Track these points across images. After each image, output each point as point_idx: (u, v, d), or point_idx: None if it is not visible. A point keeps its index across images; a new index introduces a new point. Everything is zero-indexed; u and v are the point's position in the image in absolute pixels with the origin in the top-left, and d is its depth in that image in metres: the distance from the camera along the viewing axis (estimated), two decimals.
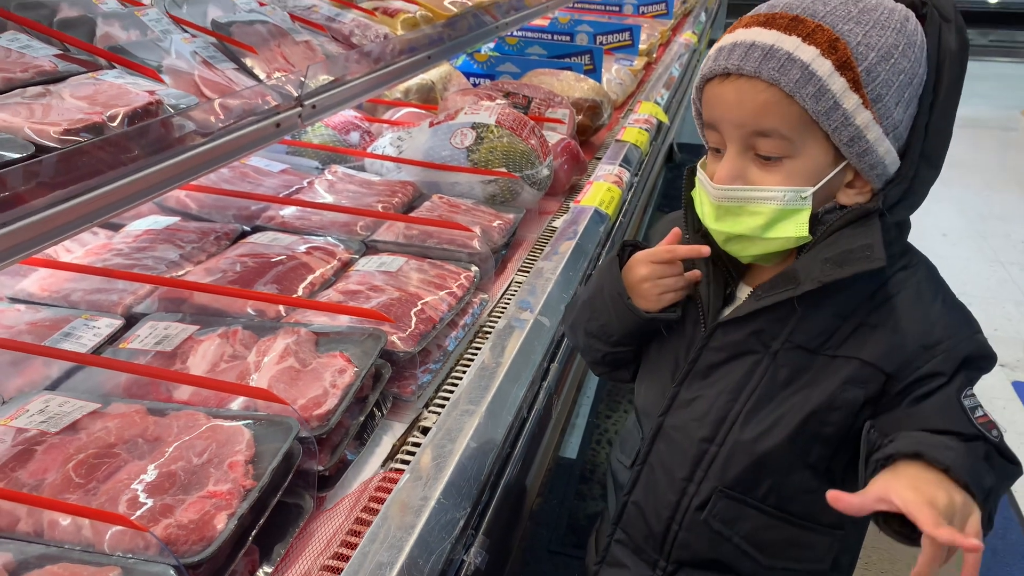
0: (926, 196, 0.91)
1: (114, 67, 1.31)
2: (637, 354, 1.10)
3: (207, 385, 1.00)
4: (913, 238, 0.97)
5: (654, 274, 0.99)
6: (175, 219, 1.59)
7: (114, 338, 1.21)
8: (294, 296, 1.31)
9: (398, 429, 1.15)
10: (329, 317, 1.23)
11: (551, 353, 1.29)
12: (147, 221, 1.57)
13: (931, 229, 4.18)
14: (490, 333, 1.35)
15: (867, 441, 0.85)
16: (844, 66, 0.82)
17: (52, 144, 1.01)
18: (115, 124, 1.11)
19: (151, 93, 1.21)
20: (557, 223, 1.90)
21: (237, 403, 1.02)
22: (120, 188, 1.10)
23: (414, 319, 1.26)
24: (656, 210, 4.07)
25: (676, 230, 1.00)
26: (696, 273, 1.00)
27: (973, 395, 0.86)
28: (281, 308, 1.27)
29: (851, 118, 0.83)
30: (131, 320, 1.24)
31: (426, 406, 1.21)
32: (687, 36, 4.47)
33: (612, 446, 1.10)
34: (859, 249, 0.85)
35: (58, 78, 1.19)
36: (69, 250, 1.52)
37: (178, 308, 1.28)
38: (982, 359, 0.90)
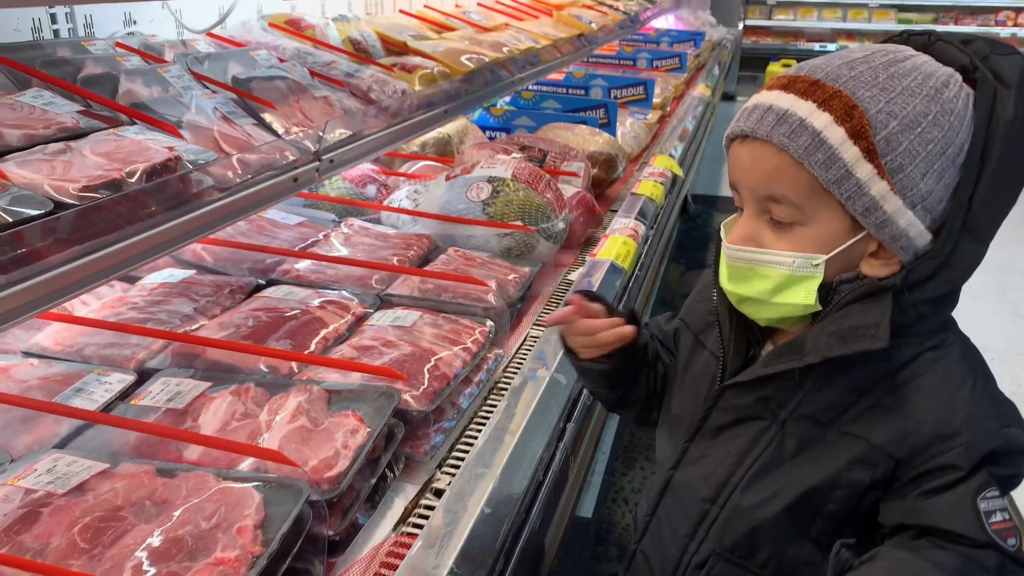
0: (971, 272, 0.85)
1: (135, 123, 1.33)
2: (631, 398, 1.12)
3: (217, 445, 0.98)
4: None
5: (570, 331, 1.06)
6: (191, 272, 1.59)
7: (126, 394, 1.19)
8: (307, 352, 1.30)
9: (410, 491, 1.12)
10: (342, 374, 1.21)
11: (567, 412, 1.27)
12: (163, 274, 1.57)
13: None
14: (505, 390, 1.33)
15: (836, 562, 0.82)
16: (858, 134, 0.79)
17: (70, 201, 1.02)
18: (134, 180, 1.11)
19: (170, 149, 1.22)
20: (573, 276, 1.89)
21: (247, 464, 1.00)
22: (136, 244, 1.10)
23: (427, 376, 1.24)
24: (671, 261, 4.06)
25: (576, 297, 1.05)
26: (624, 331, 1.03)
27: (996, 496, 0.80)
28: (294, 364, 1.25)
29: (865, 188, 0.80)
30: (144, 375, 1.23)
31: (439, 466, 1.18)
32: (700, 89, 4.52)
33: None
34: (864, 327, 0.81)
35: (79, 134, 1.21)
36: (85, 303, 1.52)
37: (191, 363, 1.27)
38: (1013, 455, 0.82)
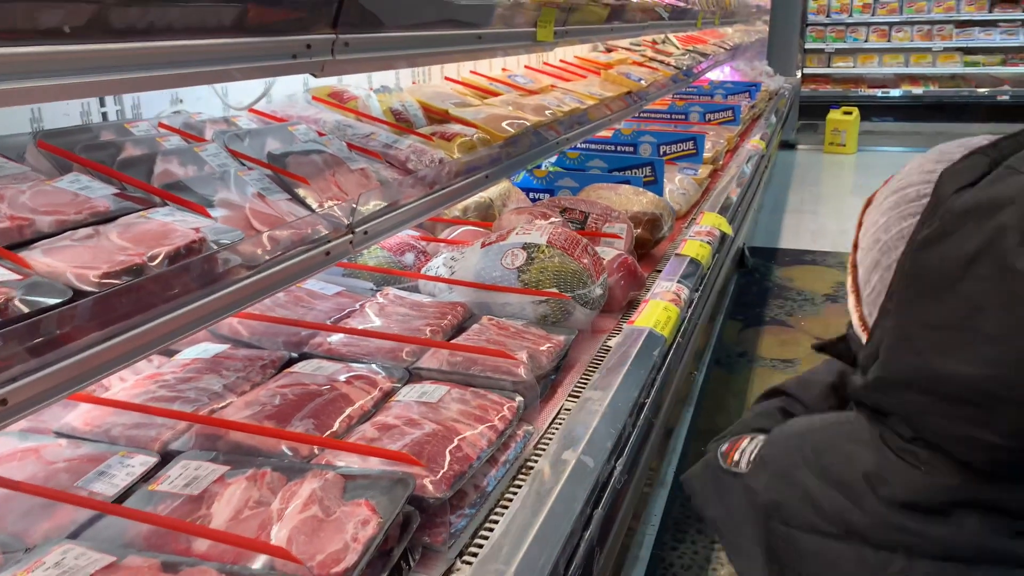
0: None
1: (167, 204, 1.35)
2: None
3: (223, 540, 0.96)
4: None
5: None
6: (225, 346, 1.60)
7: (148, 476, 1.19)
8: (329, 432, 1.28)
9: None
10: (361, 457, 1.19)
11: (594, 498, 1.21)
12: (197, 349, 1.58)
13: None
14: (533, 468, 1.28)
15: None
16: None
17: (90, 289, 1.03)
18: (155, 264, 1.12)
19: (196, 231, 1.23)
20: (612, 342, 1.84)
21: (257, 557, 0.97)
22: (160, 326, 1.11)
23: (448, 458, 1.20)
24: (728, 318, 3.95)
25: None
26: None
27: None
28: (314, 446, 1.23)
29: None
30: (167, 456, 1.23)
31: (460, 555, 1.13)
32: (754, 142, 4.45)
33: None
34: None
35: (110, 218, 1.23)
36: (123, 379, 1.54)
37: (213, 445, 1.26)
38: None
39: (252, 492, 1.09)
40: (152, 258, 1.13)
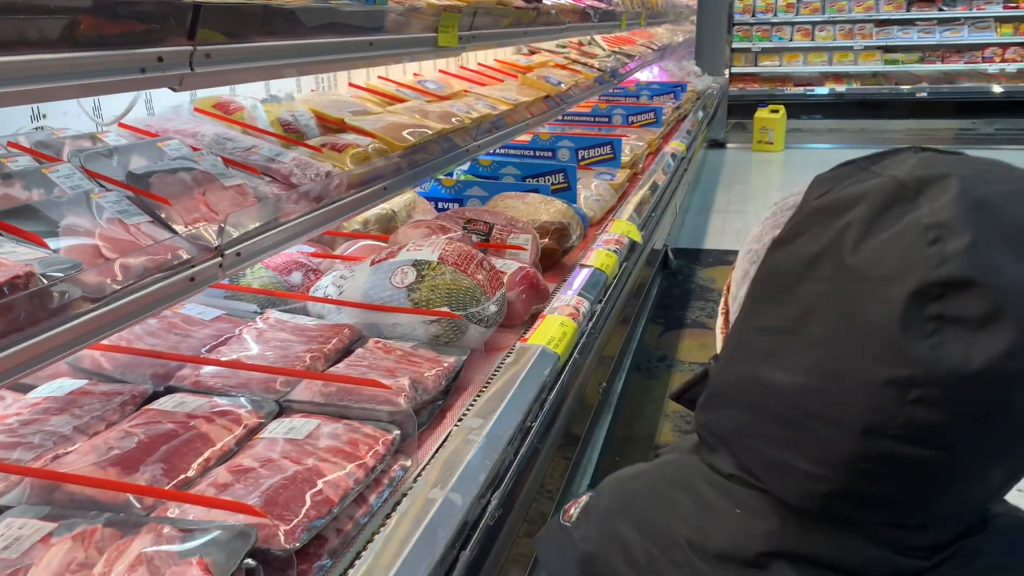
0: None
1: (0, 234, 1.24)
2: None
3: None
4: None
5: None
6: (83, 382, 1.49)
7: None
8: (179, 478, 1.19)
9: None
10: (205, 509, 1.10)
11: (463, 539, 1.14)
12: (51, 386, 1.47)
13: None
14: (397, 508, 1.21)
15: None
16: None
17: None
18: None
19: (25, 265, 1.12)
20: (507, 360, 1.78)
21: None
22: None
23: (307, 504, 1.12)
24: (649, 322, 3.94)
25: None
26: None
27: None
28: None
29: None
30: None
31: None
32: (675, 144, 4.46)
33: None
34: None
35: None
36: None
37: (49, 496, 1.15)
38: None
39: (77, 553, 1.00)
40: None
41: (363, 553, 1.14)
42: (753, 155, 8.69)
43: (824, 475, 0.62)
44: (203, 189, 1.62)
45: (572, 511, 0.81)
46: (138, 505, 1.15)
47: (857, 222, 0.62)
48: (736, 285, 0.81)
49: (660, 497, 0.74)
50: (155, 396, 1.46)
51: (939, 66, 9.39)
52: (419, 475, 1.32)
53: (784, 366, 0.64)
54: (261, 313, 1.82)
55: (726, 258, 5.04)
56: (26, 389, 1.52)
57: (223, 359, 1.57)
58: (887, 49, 9.52)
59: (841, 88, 9.56)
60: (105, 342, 1.54)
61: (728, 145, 9.08)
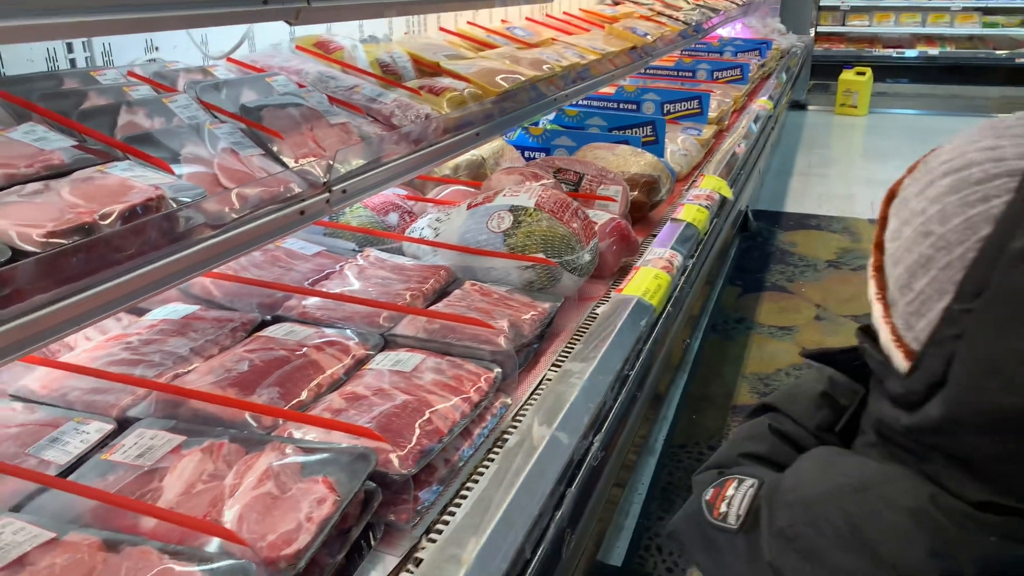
0: None
1: (127, 158, 1.28)
2: None
3: (168, 518, 0.91)
4: None
5: None
6: (195, 308, 1.54)
7: (104, 443, 1.14)
8: (294, 401, 1.23)
9: (390, 562, 1.03)
10: (324, 431, 1.13)
11: (568, 477, 1.15)
12: (166, 309, 1.52)
13: None
14: (505, 443, 1.23)
15: None
16: None
17: (32, 249, 0.97)
18: (107, 223, 1.06)
19: (155, 188, 1.16)
20: (601, 310, 1.78)
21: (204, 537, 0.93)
22: (112, 289, 1.04)
23: (417, 432, 1.14)
24: (727, 283, 3.88)
25: None
26: None
27: None
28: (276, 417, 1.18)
29: None
30: (124, 424, 1.18)
31: (427, 532, 1.08)
32: (762, 102, 4.33)
33: None
34: None
35: (64, 172, 1.16)
36: (88, 338, 1.49)
37: (174, 412, 1.21)
38: None
39: (207, 465, 1.04)
40: (104, 216, 1.06)
41: (469, 484, 1.17)
42: (835, 118, 8.37)
43: None
44: (311, 125, 1.64)
45: (722, 507, 0.76)
46: (254, 424, 1.19)
47: None
48: (906, 274, 0.70)
49: (888, 524, 0.67)
50: (263, 324, 1.50)
51: None
52: (520, 413, 1.33)
53: None
54: (360, 251, 1.85)
55: (807, 222, 4.90)
56: (140, 312, 1.59)
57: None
58: (986, 11, 9.00)
59: (934, 51, 9.11)
60: (216, 270, 1.59)
61: (809, 107, 8.77)
